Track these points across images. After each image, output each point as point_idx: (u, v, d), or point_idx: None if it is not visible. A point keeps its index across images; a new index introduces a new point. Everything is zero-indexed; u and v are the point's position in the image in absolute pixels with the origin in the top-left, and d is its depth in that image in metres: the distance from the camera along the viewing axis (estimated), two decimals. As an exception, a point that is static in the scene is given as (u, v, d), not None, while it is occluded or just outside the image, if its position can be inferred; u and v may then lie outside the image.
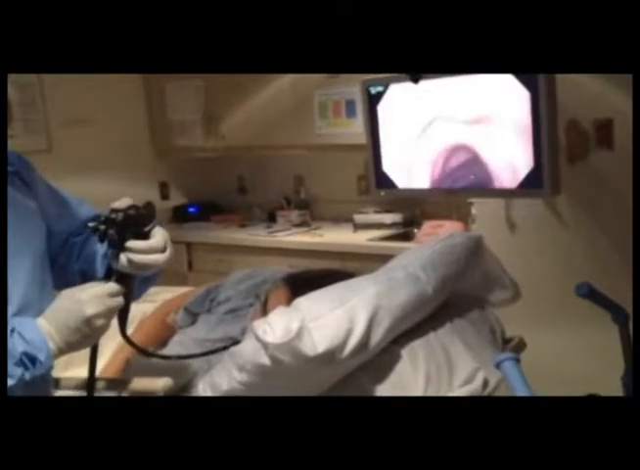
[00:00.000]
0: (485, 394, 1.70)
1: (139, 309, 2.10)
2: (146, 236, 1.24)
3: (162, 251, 1.25)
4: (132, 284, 1.26)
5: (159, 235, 1.26)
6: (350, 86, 3.33)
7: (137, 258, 1.22)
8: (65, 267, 1.39)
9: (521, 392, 1.15)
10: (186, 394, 1.71)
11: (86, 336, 1.20)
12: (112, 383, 1.74)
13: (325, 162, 3.95)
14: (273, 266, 2.37)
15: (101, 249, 1.34)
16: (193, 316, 2.08)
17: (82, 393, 1.41)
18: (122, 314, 1.28)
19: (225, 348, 1.60)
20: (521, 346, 1.97)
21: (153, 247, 1.24)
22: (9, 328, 1.16)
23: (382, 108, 2.75)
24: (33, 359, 1.16)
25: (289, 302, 1.70)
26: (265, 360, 1.48)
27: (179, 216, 4.36)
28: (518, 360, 1.19)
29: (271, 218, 4.09)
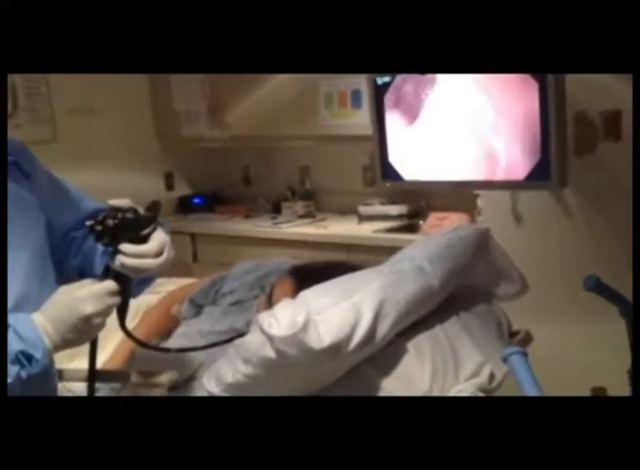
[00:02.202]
0: (492, 387, 1.69)
1: (143, 301, 2.09)
2: (143, 239, 1.23)
3: (157, 256, 1.24)
4: (130, 282, 1.26)
5: (155, 240, 1.24)
6: (356, 76, 3.31)
7: (129, 261, 1.21)
8: (62, 263, 1.37)
9: (527, 386, 1.14)
10: (191, 386, 1.71)
11: (83, 334, 1.20)
12: (116, 375, 1.74)
13: (330, 152, 3.93)
14: (278, 258, 2.36)
15: (100, 245, 1.33)
16: (197, 308, 2.07)
17: (86, 385, 1.40)
18: (121, 309, 1.27)
19: (228, 340, 1.59)
20: (527, 339, 1.96)
21: (145, 252, 1.22)
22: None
23: (388, 98, 2.73)
24: (29, 357, 1.15)
25: (294, 294, 1.69)
26: (271, 353, 1.48)
27: (184, 207, 4.35)
28: (525, 354, 1.18)
29: (276, 210, 4.07)
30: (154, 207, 1.26)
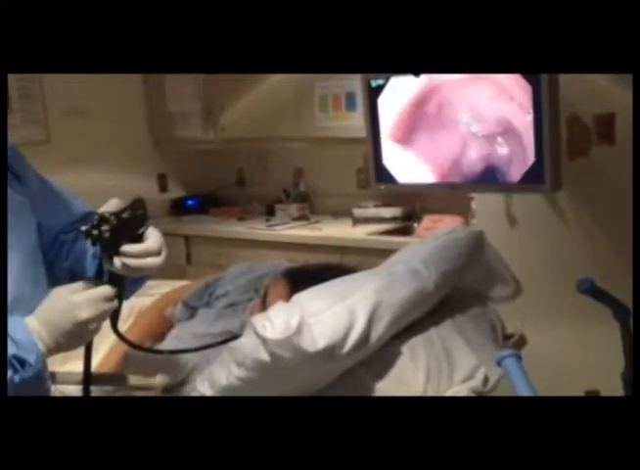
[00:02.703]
0: (486, 390, 1.69)
1: (137, 303, 2.09)
2: (140, 238, 1.21)
3: (158, 253, 1.22)
4: (125, 284, 1.24)
5: (153, 237, 1.22)
6: (350, 79, 3.32)
7: (133, 262, 1.19)
8: (53, 265, 1.36)
9: (521, 389, 1.14)
10: (184, 389, 1.70)
11: (77, 339, 1.19)
12: (109, 378, 1.73)
13: (324, 155, 3.94)
14: (272, 260, 2.36)
15: (91, 248, 1.30)
16: (191, 310, 2.07)
17: (79, 388, 1.40)
18: (114, 312, 1.25)
19: (221, 343, 1.59)
20: (521, 342, 1.96)
21: (148, 250, 1.20)
22: None
23: (382, 101, 2.73)
24: (22, 362, 1.14)
25: (288, 296, 1.68)
26: (265, 356, 1.47)
27: (178, 209, 4.35)
28: (519, 357, 1.18)
29: (270, 212, 4.08)
30: (139, 204, 1.23)
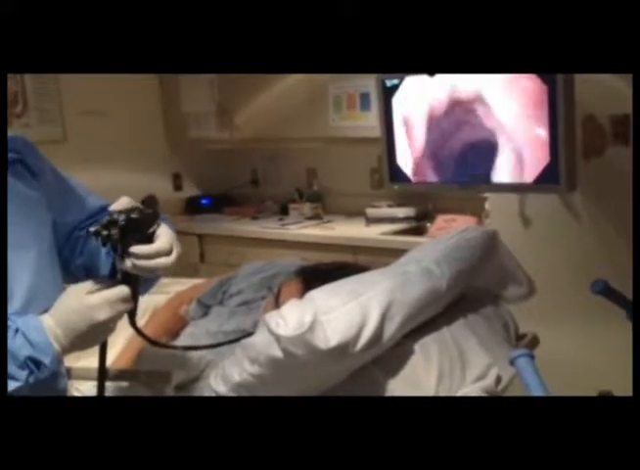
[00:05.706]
0: (498, 390, 1.69)
1: (152, 301, 2.10)
2: (150, 238, 1.19)
3: (169, 253, 1.20)
4: (139, 282, 1.23)
5: (164, 237, 1.20)
6: (365, 79, 3.33)
7: (142, 263, 1.17)
8: (68, 261, 1.36)
9: (534, 389, 1.14)
10: (198, 385, 1.71)
11: (93, 339, 1.19)
12: (123, 373, 1.75)
13: (338, 155, 3.94)
14: (285, 259, 2.37)
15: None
16: (205, 308, 2.08)
17: (94, 383, 1.41)
18: (132, 309, 1.24)
19: (235, 340, 1.60)
20: (534, 342, 1.96)
21: (158, 251, 1.19)
22: (13, 327, 1.13)
23: (397, 100, 2.73)
24: (38, 363, 1.13)
25: (301, 294, 1.69)
26: (278, 353, 1.48)
27: (192, 208, 4.37)
28: (532, 357, 1.18)
29: (283, 211, 4.09)
30: (150, 201, 1.22)
